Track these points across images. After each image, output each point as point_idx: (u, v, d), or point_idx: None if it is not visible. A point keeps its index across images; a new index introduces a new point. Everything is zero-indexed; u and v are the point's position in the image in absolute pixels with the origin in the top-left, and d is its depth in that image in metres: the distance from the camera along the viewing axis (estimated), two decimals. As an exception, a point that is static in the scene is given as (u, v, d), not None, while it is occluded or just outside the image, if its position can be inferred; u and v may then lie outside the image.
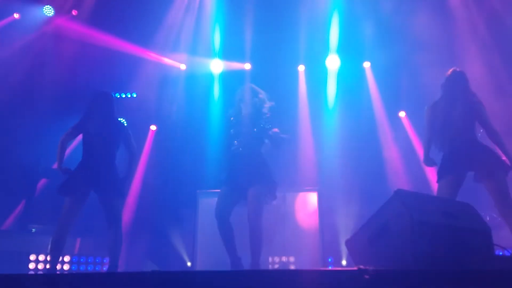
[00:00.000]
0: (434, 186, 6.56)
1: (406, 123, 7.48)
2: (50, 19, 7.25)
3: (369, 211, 3.37)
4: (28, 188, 6.60)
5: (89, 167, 4.14)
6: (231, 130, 4.05)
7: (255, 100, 4.06)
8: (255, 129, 3.96)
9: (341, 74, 7.46)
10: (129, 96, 7.96)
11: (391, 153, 7.07)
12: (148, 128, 7.94)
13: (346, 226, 6.06)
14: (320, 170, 6.74)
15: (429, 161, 4.10)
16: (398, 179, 6.64)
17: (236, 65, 7.63)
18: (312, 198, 5.79)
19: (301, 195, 5.86)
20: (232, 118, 4.11)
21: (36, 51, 7.09)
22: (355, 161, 6.78)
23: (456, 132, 3.95)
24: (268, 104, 4.08)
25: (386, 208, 3.19)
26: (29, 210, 6.42)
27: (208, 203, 5.80)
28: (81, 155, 4.28)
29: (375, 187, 6.30)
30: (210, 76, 7.61)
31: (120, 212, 4.26)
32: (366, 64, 7.55)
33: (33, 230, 5.96)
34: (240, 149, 3.97)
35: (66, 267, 5.59)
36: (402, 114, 7.55)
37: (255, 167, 3.89)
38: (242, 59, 7.49)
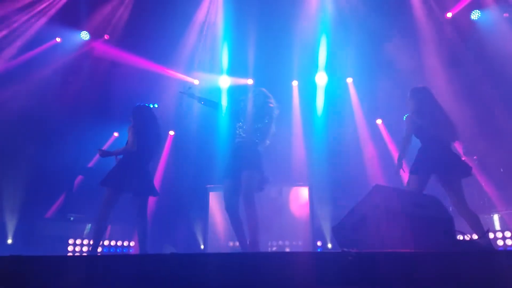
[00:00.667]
0: (405, 180, 6.60)
1: (382, 129, 7.50)
2: (86, 42, 7.27)
3: (352, 202, 3.36)
4: (68, 183, 6.62)
5: (135, 169, 4.08)
6: (239, 126, 3.80)
7: (267, 104, 3.82)
8: (258, 132, 3.72)
9: (328, 88, 7.47)
10: (151, 106, 7.96)
11: (370, 153, 7.07)
12: (168, 133, 7.95)
13: (332, 215, 6.05)
14: (311, 168, 6.74)
15: (400, 166, 3.92)
16: (376, 175, 6.63)
17: (240, 81, 7.65)
18: (304, 192, 5.80)
19: (294, 189, 5.86)
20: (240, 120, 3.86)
21: (75, 69, 7.11)
22: (340, 160, 6.78)
23: (432, 137, 3.91)
24: (277, 112, 3.87)
25: (366, 200, 3.21)
26: (68, 201, 6.43)
27: (216, 195, 5.85)
28: (128, 156, 4.12)
29: (357, 182, 6.29)
30: (219, 89, 7.63)
31: (147, 207, 4.25)
32: (349, 80, 7.56)
33: (72, 218, 5.98)
34: (242, 143, 3.72)
35: (99, 249, 5.59)
36: (379, 121, 7.57)
37: (249, 156, 3.67)
38: (245, 75, 7.49)
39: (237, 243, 4.02)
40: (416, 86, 4.14)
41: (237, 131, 3.79)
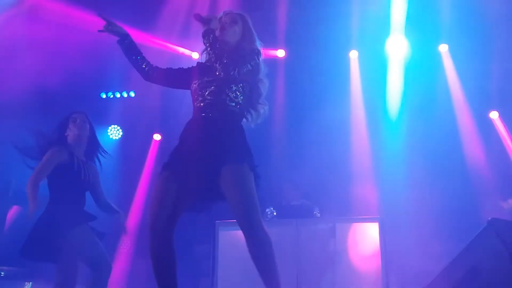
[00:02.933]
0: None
1: (501, 128, 7.37)
2: (25, -4, 7.44)
3: (452, 248, 3.34)
4: (-5, 218, 6.74)
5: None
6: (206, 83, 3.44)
7: (242, 24, 3.54)
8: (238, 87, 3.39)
9: (409, 61, 7.43)
10: (125, 95, 8.07)
11: (482, 169, 6.97)
12: (151, 138, 8.04)
13: (419, 268, 5.96)
14: (383, 193, 6.72)
15: None
16: (493, 204, 6.50)
17: (265, 52, 7.64)
18: (372, 231, 5.76)
19: (356, 226, 5.84)
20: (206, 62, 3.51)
21: (4, 38, 7.26)
22: (430, 181, 6.71)
23: None
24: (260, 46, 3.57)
25: (476, 244, 3.19)
26: (-3, 247, 6.54)
27: (230, 236, 5.86)
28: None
29: (459, 216, 6.25)
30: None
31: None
32: (443, 48, 7.49)
33: (2, 273, 6.08)
34: (210, 114, 3.34)
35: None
36: (494, 114, 7.46)
37: (227, 138, 3.28)
38: (273, 44, 7.50)
39: None
40: None
41: (201, 91, 3.42)
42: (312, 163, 6.85)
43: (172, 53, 7.77)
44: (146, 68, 3.58)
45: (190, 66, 3.59)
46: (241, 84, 3.37)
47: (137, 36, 7.45)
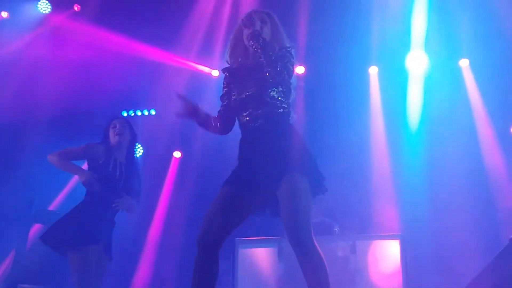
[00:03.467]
0: None
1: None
2: (46, 17, 7.56)
3: (474, 266, 3.30)
4: (17, 236, 6.77)
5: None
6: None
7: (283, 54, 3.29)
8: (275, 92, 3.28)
9: (429, 76, 7.42)
10: (146, 113, 8.15)
11: (504, 186, 6.87)
12: (171, 155, 8.09)
13: (441, 287, 5.90)
14: (403, 209, 6.66)
15: None
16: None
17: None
18: (393, 248, 5.72)
19: (376, 244, 5.80)
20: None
21: (28, 58, 7.36)
22: (452, 197, 6.64)
23: None
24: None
25: (498, 262, 3.19)
26: (20, 264, 6.57)
27: (249, 254, 5.86)
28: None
29: (481, 233, 6.16)
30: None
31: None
32: (464, 62, 7.46)
33: (25, 292, 6.10)
34: (255, 124, 3.28)
35: None
36: (515, 129, 7.38)
37: (284, 149, 3.18)
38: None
39: None
40: None
41: (243, 104, 3.30)
42: (331, 180, 6.78)
43: (192, 71, 7.85)
44: (219, 127, 3.44)
45: (223, 88, 3.48)
46: (283, 86, 3.26)
47: (158, 54, 7.61)
